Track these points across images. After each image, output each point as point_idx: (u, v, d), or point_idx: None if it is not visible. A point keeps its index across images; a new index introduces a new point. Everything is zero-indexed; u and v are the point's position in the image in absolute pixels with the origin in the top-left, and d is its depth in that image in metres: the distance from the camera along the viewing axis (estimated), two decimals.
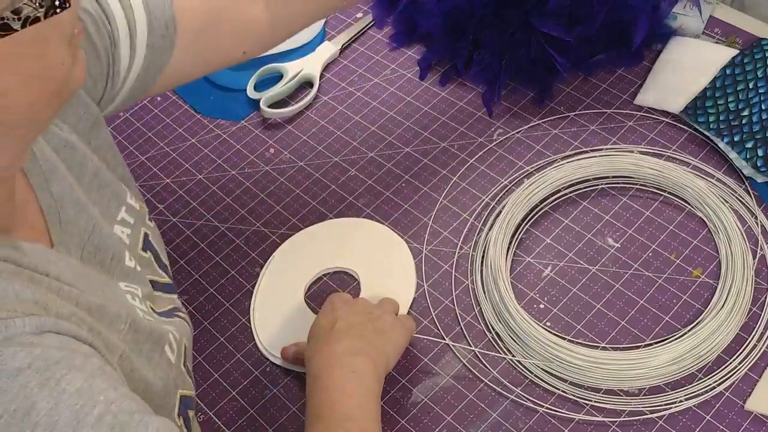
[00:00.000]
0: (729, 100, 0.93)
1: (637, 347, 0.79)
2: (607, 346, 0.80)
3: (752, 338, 0.78)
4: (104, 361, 0.53)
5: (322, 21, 1.17)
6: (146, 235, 0.74)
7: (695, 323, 0.79)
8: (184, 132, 1.08)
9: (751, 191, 0.88)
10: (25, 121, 0.52)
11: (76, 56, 0.53)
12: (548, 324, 0.82)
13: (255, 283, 0.91)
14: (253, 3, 0.80)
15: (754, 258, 0.83)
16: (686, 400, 0.75)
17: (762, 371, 0.76)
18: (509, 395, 0.78)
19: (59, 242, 0.61)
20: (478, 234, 0.90)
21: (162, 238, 0.79)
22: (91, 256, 0.64)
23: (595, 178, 0.92)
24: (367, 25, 1.15)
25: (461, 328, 0.84)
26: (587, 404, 0.76)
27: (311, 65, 1.10)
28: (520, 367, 0.80)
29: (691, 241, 0.86)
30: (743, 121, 0.91)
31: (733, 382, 0.76)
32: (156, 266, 0.74)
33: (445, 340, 0.83)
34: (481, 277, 0.86)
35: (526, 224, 0.90)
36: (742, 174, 0.89)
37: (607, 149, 0.94)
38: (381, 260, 0.90)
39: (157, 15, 0.74)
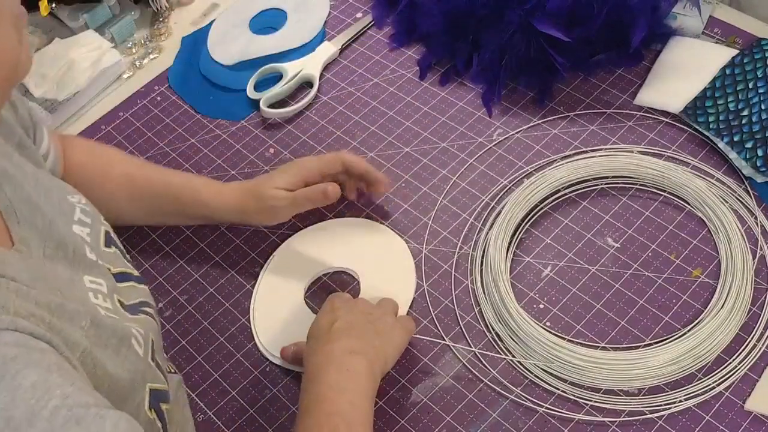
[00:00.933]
0: (729, 100, 0.93)
1: (637, 347, 0.79)
2: (606, 346, 0.80)
3: (752, 338, 0.78)
4: (62, 359, 0.53)
5: (323, 21, 1.17)
6: (107, 233, 0.74)
7: (695, 323, 0.79)
8: (184, 132, 1.08)
9: (750, 191, 0.88)
10: None
11: (21, 40, 0.55)
12: (548, 324, 0.82)
13: (255, 283, 0.91)
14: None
15: (753, 258, 0.83)
16: (686, 400, 0.75)
17: (762, 371, 0.76)
18: (509, 395, 0.78)
19: (20, 240, 0.61)
20: (477, 234, 0.90)
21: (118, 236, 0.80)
22: (53, 252, 0.64)
23: (594, 178, 0.92)
24: (367, 25, 1.15)
25: (461, 328, 0.84)
26: (587, 404, 0.77)
27: (311, 65, 1.10)
28: (520, 367, 0.80)
29: (690, 241, 0.86)
30: (743, 121, 0.91)
31: (733, 382, 0.76)
32: (124, 260, 0.74)
33: (444, 340, 0.83)
34: (481, 277, 0.86)
35: (525, 224, 0.90)
36: (742, 174, 0.89)
37: (606, 149, 0.94)
38: (381, 260, 0.90)
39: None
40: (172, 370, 0.79)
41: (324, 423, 0.66)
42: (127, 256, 0.77)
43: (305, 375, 0.73)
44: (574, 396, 0.77)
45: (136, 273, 0.75)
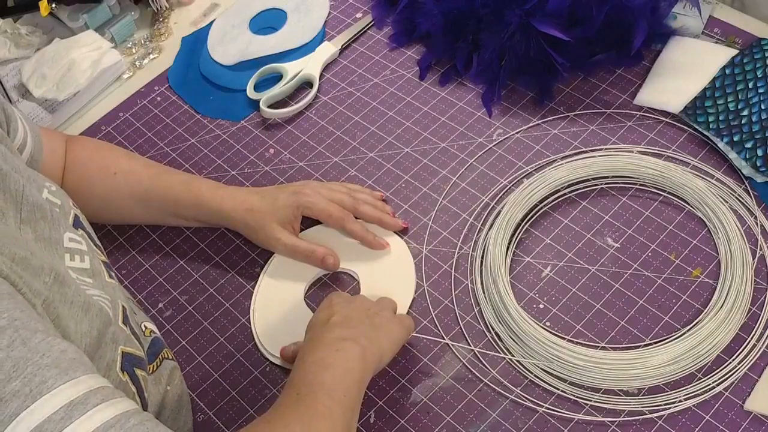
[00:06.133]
0: (728, 100, 0.93)
1: (637, 347, 0.79)
2: (606, 346, 0.80)
3: (752, 338, 0.78)
4: (17, 293, 0.54)
5: (322, 21, 1.17)
6: (76, 216, 0.75)
7: (695, 323, 0.79)
8: (184, 132, 1.08)
9: (750, 191, 0.88)
10: None
11: None
12: (548, 324, 0.82)
13: (255, 283, 0.91)
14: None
15: (753, 258, 0.83)
16: (686, 399, 0.75)
17: (761, 371, 0.76)
18: (509, 395, 0.78)
19: None
20: (477, 234, 0.91)
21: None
22: (30, 215, 0.65)
23: (594, 178, 0.92)
24: (367, 25, 1.15)
25: (461, 328, 0.84)
26: (587, 404, 0.77)
27: (311, 65, 1.10)
28: (520, 367, 0.80)
29: (690, 240, 0.86)
30: (743, 121, 0.91)
31: (733, 382, 0.76)
32: (92, 244, 0.75)
33: (444, 339, 0.83)
34: (481, 277, 0.86)
35: (525, 224, 0.90)
36: (742, 174, 0.89)
37: (606, 149, 0.94)
38: (381, 260, 0.90)
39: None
40: (170, 357, 0.79)
41: (305, 393, 0.66)
42: (98, 242, 0.77)
43: (296, 360, 0.73)
44: (573, 396, 0.77)
45: (102, 258, 0.75)
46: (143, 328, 0.78)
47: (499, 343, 0.82)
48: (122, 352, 0.66)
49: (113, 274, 0.76)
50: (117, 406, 0.52)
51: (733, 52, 0.98)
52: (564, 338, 0.81)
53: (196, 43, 1.19)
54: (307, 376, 0.68)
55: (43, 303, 0.58)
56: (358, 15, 1.18)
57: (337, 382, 0.67)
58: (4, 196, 0.64)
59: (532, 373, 0.79)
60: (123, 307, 0.71)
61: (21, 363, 0.49)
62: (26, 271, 0.58)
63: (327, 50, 1.12)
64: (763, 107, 0.91)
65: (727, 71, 0.96)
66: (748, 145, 0.89)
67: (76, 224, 0.74)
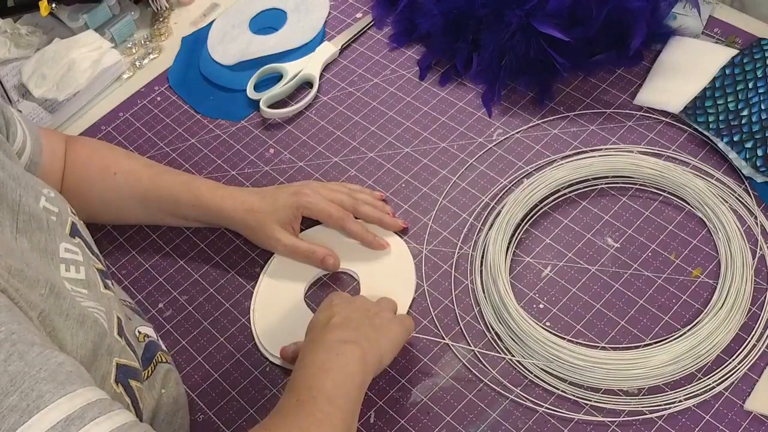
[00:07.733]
0: (728, 100, 0.93)
1: (637, 347, 0.79)
2: (606, 345, 0.80)
3: (752, 338, 0.78)
4: (14, 305, 0.54)
5: (322, 21, 1.17)
6: (73, 224, 0.75)
7: (695, 323, 0.79)
8: (184, 132, 1.08)
9: (750, 191, 0.88)
10: None
11: None
12: (548, 324, 0.83)
13: (255, 283, 0.91)
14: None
15: (753, 258, 0.83)
16: (686, 399, 0.75)
17: (761, 371, 0.76)
18: (509, 395, 0.78)
19: None
20: (477, 234, 0.91)
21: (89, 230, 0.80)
22: (26, 225, 0.65)
23: (594, 178, 0.92)
24: (367, 25, 1.15)
25: (461, 328, 0.84)
26: (587, 404, 0.77)
27: (311, 65, 1.10)
28: (520, 367, 0.80)
29: (690, 240, 0.86)
30: (743, 121, 0.91)
31: (733, 382, 0.76)
32: (89, 253, 0.74)
33: (444, 339, 0.83)
34: (481, 277, 0.86)
35: (525, 224, 0.90)
36: (742, 174, 0.89)
37: (606, 149, 0.94)
38: (381, 260, 0.90)
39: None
40: (164, 360, 0.79)
41: (305, 398, 0.66)
42: (94, 250, 0.77)
43: (296, 362, 0.73)
44: (573, 396, 0.77)
45: (98, 266, 0.75)
46: (137, 334, 0.78)
47: (499, 343, 0.82)
48: (117, 363, 0.65)
49: (109, 283, 0.75)
50: (114, 419, 0.51)
51: (733, 52, 0.98)
52: (564, 338, 0.81)
53: (196, 43, 1.19)
54: (307, 381, 0.68)
55: (39, 315, 0.57)
56: (358, 15, 1.18)
57: (337, 386, 0.67)
58: (1, 205, 0.64)
59: (532, 373, 0.79)
60: (118, 317, 0.70)
61: (18, 377, 0.49)
62: (22, 283, 0.57)
63: (327, 50, 1.12)
64: (763, 107, 0.91)
65: (727, 71, 0.96)
66: (748, 145, 0.89)
67: (74, 233, 0.74)
